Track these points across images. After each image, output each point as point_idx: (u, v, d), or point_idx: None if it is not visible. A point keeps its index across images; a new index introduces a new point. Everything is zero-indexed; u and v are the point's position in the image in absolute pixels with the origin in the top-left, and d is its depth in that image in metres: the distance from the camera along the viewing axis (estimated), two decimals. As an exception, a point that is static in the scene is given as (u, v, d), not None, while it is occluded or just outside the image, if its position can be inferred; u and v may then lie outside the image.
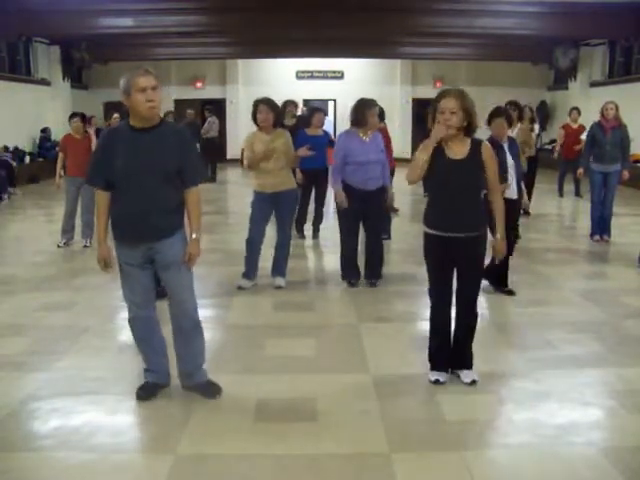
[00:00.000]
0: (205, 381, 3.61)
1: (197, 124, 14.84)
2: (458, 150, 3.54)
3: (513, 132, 7.46)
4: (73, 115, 7.90)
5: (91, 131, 7.70)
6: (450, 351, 3.77)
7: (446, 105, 3.46)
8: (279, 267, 5.83)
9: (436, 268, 3.68)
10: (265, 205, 5.62)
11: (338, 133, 8.15)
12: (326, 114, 9.39)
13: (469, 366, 3.77)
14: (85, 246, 7.54)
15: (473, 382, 3.70)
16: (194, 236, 3.40)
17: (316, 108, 8.48)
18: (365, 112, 5.54)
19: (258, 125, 5.57)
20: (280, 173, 5.57)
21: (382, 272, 5.91)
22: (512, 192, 5.29)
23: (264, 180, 5.56)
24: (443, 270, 3.66)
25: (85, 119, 8.29)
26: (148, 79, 3.18)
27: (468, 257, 3.61)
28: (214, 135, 15.13)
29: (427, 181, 3.67)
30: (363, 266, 5.90)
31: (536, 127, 10.43)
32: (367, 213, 5.70)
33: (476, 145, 3.57)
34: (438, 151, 3.53)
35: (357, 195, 5.57)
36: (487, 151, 3.59)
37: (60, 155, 7.79)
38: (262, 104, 5.52)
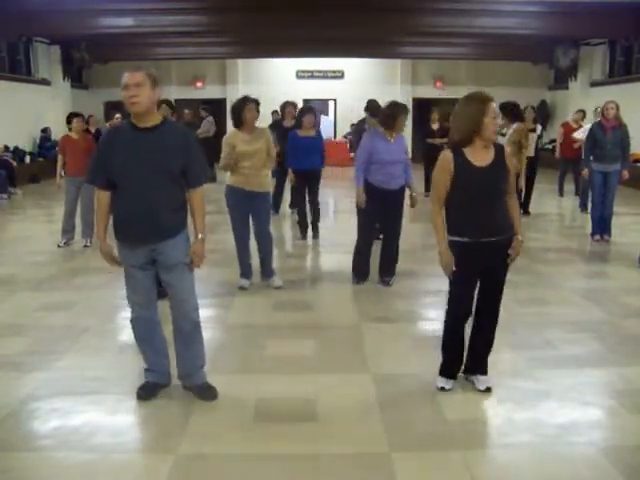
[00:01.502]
0: (202, 383, 3.59)
1: (196, 124, 14.79)
2: (482, 157, 3.41)
3: (507, 133, 7.44)
4: (73, 115, 7.89)
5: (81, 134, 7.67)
6: (462, 361, 3.70)
7: (495, 109, 3.34)
8: (268, 268, 5.78)
9: (463, 277, 3.48)
10: (241, 202, 5.50)
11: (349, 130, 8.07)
12: (324, 113, 9.26)
13: (484, 372, 3.67)
14: (85, 246, 7.54)
15: (488, 389, 3.61)
16: (200, 237, 3.40)
17: (308, 108, 8.18)
18: (396, 117, 5.55)
19: (242, 123, 5.40)
20: (258, 174, 5.47)
21: (395, 271, 5.93)
22: None
23: (243, 178, 5.44)
24: (470, 279, 3.52)
25: (83, 119, 8.29)
26: (131, 76, 3.17)
27: (498, 261, 3.50)
28: (211, 134, 15.09)
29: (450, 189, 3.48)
30: (376, 265, 5.93)
31: (538, 128, 10.40)
32: (387, 212, 5.71)
33: (499, 149, 3.50)
34: (460, 159, 3.38)
35: (378, 194, 5.58)
36: (507, 155, 3.55)
37: (59, 156, 7.79)
38: (251, 102, 5.40)
